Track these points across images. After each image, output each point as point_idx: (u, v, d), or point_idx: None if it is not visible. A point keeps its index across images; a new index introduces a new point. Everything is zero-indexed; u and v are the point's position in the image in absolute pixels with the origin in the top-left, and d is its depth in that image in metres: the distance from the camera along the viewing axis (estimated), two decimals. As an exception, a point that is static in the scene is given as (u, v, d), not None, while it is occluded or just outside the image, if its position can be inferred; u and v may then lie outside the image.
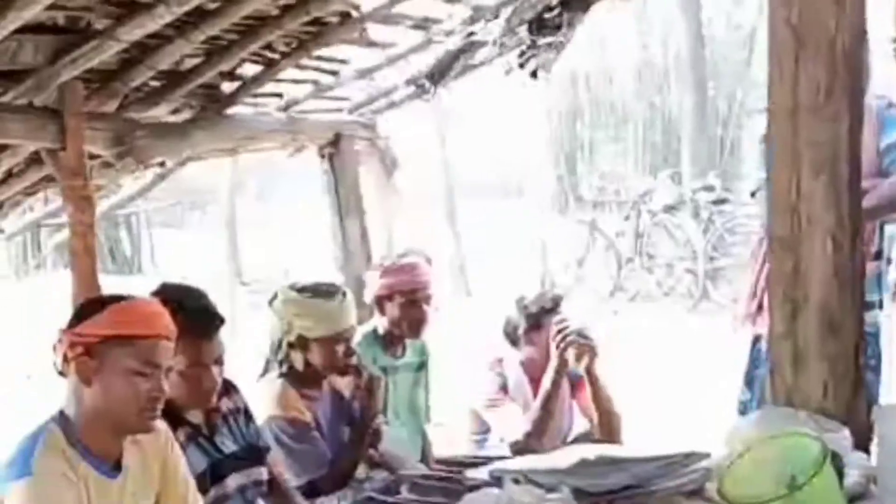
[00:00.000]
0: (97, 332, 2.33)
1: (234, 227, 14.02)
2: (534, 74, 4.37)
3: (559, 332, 3.78)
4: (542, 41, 4.19)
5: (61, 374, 2.39)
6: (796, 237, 2.59)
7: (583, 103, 15.56)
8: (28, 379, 8.80)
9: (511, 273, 11.13)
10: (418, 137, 10.43)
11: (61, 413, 2.38)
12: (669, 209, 10.99)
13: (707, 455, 2.58)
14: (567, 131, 15.49)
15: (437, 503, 2.51)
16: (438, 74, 4.23)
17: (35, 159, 3.55)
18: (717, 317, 9.92)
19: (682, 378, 7.02)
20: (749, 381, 3.82)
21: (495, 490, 2.19)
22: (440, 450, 4.03)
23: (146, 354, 2.35)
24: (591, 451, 2.74)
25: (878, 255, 3.70)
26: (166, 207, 15.22)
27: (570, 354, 3.80)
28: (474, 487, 2.46)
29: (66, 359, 2.36)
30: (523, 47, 4.27)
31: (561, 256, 11.64)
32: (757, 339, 3.78)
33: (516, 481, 2.22)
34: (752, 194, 3.67)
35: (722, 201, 10.91)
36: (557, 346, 3.78)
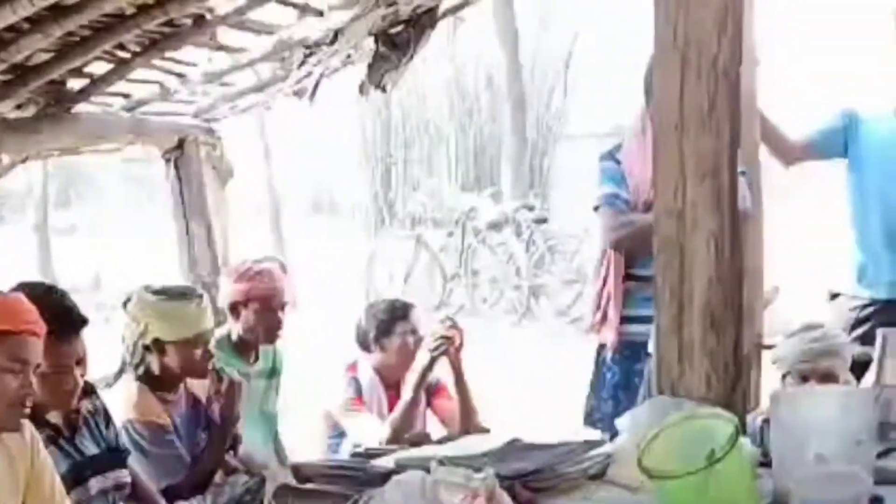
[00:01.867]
0: None
1: (46, 232, 13.47)
2: (383, 89, 4.45)
3: (440, 339, 3.82)
4: (390, 56, 4.26)
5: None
6: (681, 240, 2.81)
7: (396, 121, 15.73)
8: None
9: (336, 287, 11.18)
10: (244, 149, 10.33)
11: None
12: (493, 226, 11.30)
13: (603, 443, 2.73)
14: (381, 149, 15.63)
15: (345, 493, 2.51)
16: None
17: None
18: (541, 330, 10.31)
19: (517, 387, 7.22)
20: (594, 387, 3.95)
21: (419, 472, 2.24)
22: (293, 456, 4.01)
23: (15, 350, 2.29)
24: (486, 441, 2.85)
25: None
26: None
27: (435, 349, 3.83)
28: (384, 475, 2.50)
29: None
30: (369, 62, 4.34)
31: (385, 271, 11.74)
32: (601, 348, 3.93)
33: (441, 463, 2.28)
34: (595, 208, 3.87)
35: (542, 220, 11.31)
36: (434, 349, 3.81)
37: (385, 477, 2.46)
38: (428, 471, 2.29)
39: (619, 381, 3.86)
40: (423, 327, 4.01)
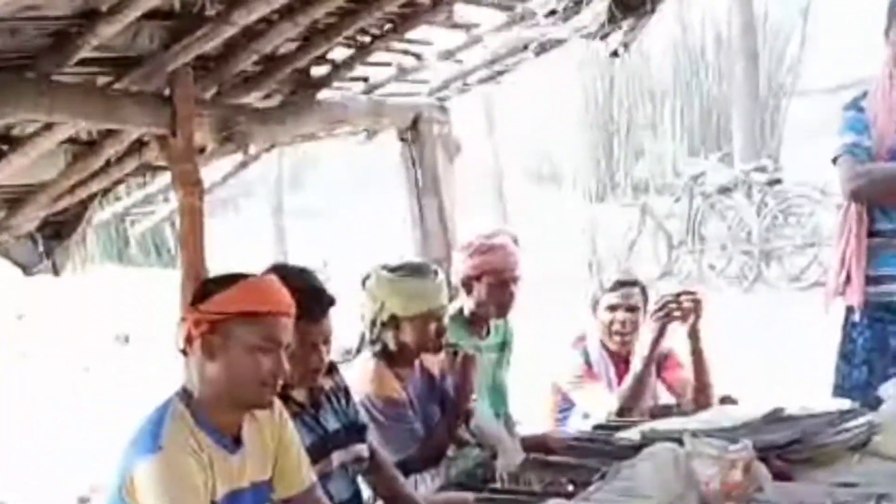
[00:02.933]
0: (223, 310, 2.37)
1: (281, 216, 14.09)
2: (615, 53, 4.38)
3: (664, 306, 3.79)
4: (625, 19, 4.19)
5: (183, 352, 2.42)
6: None
7: (619, 86, 15.45)
8: (86, 371, 8.96)
9: (560, 258, 11.15)
10: (469, 124, 10.45)
11: (184, 390, 2.42)
12: (723, 191, 10.95)
13: (863, 412, 2.60)
14: (604, 115, 15.41)
15: (591, 466, 2.53)
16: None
17: (133, 148, 3.61)
18: (773, 297, 9.94)
19: (750, 356, 6.99)
20: (845, 355, 3.76)
21: (671, 444, 2.24)
22: (522, 429, 4.05)
23: (269, 331, 2.38)
24: (738, 412, 2.76)
25: None
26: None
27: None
28: (630, 448, 2.51)
29: (188, 336, 2.39)
30: (603, 24, 4.26)
31: (608, 240, 11.62)
32: (849, 312, 3.73)
33: (694, 435, 2.27)
34: (834, 160, 3.69)
35: (775, 182, 10.84)
36: (660, 316, 3.78)
37: (632, 449, 2.45)
38: (679, 442, 2.26)
39: (872, 346, 3.67)
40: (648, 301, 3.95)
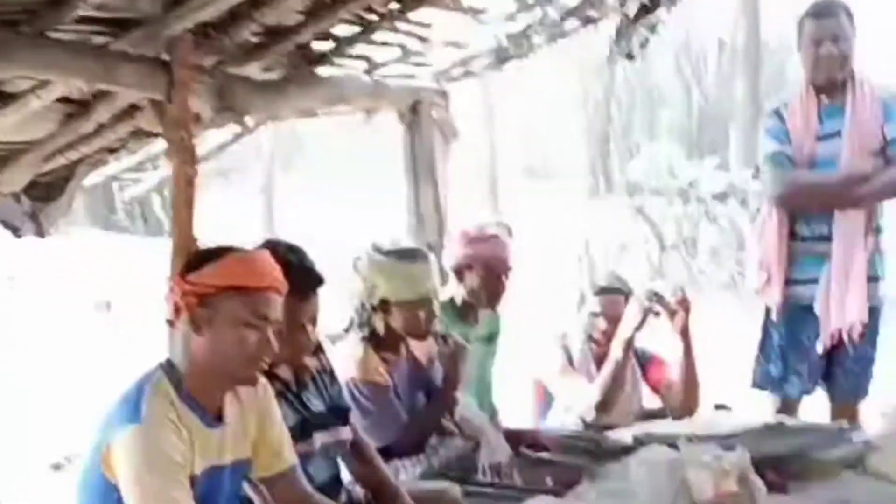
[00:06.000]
0: (212, 282, 2.32)
1: (271, 194, 14.04)
2: (630, 56, 4.35)
3: (653, 296, 3.77)
4: (637, 22, 4.15)
5: (170, 322, 2.38)
6: None
7: (619, 85, 15.44)
8: (65, 337, 8.88)
9: (550, 254, 11.12)
10: (467, 111, 10.40)
11: (168, 361, 2.38)
12: (718, 197, 10.96)
13: (859, 429, 2.58)
14: (601, 113, 15.40)
15: (579, 465, 2.48)
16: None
17: (126, 112, 3.54)
18: (761, 303, 9.91)
19: (735, 361, 6.96)
20: (763, 351, 3.92)
21: (665, 449, 2.19)
22: (505, 422, 4.01)
23: (258, 306, 2.34)
24: (729, 419, 2.74)
25: (878, 230, 3.86)
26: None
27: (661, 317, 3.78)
28: (621, 449, 2.46)
29: (176, 308, 2.35)
30: (619, 26, 4.23)
31: (602, 240, 11.60)
32: (768, 311, 3.89)
33: (689, 441, 2.22)
34: (757, 169, 3.84)
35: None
36: (644, 306, 3.78)
37: (622, 451, 2.41)
38: (673, 447, 2.22)
39: (787, 344, 3.84)
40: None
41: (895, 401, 2.71)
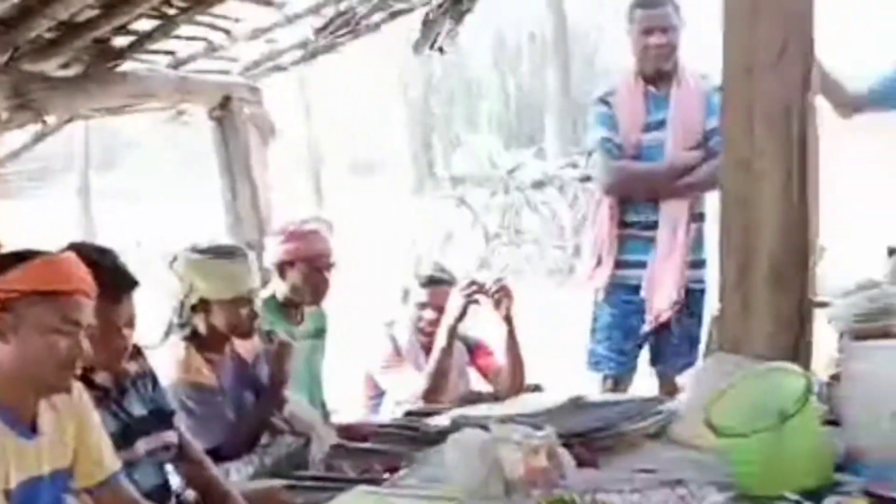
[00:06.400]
0: (15, 287, 2.24)
1: (87, 196, 13.55)
2: (440, 49, 4.39)
3: (472, 284, 3.81)
4: (445, 15, 4.19)
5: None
6: (748, 192, 2.72)
7: (437, 79, 15.61)
8: None
9: (376, 247, 11.15)
10: (285, 107, 10.30)
11: (-26, 371, 2.27)
12: (537, 185, 11.22)
13: (663, 401, 2.67)
14: (421, 106, 15.54)
15: (400, 452, 2.49)
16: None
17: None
18: (585, 290, 10.21)
19: (559, 346, 7.15)
20: (592, 331, 4.09)
21: (477, 430, 2.22)
22: (336, 417, 4.01)
23: (67, 311, 2.27)
24: (544, 399, 2.81)
25: (701, 217, 4.03)
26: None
27: (484, 304, 3.83)
28: (440, 433, 2.48)
29: None
30: (423, 20, 4.26)
31: (426, 230, 11.71)
32: (596, 292, 4.05)
33: (500, 421, 2.26)
34: (589, 154, 3.95)
35: (587, 178, 11.16)
36: (465, 294, 3.80)
37: (440, 435, 2.44)
38: (486, 429, 2.26)
39: (612, 322, 4.00)
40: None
41: (693, 373, 2.84)
